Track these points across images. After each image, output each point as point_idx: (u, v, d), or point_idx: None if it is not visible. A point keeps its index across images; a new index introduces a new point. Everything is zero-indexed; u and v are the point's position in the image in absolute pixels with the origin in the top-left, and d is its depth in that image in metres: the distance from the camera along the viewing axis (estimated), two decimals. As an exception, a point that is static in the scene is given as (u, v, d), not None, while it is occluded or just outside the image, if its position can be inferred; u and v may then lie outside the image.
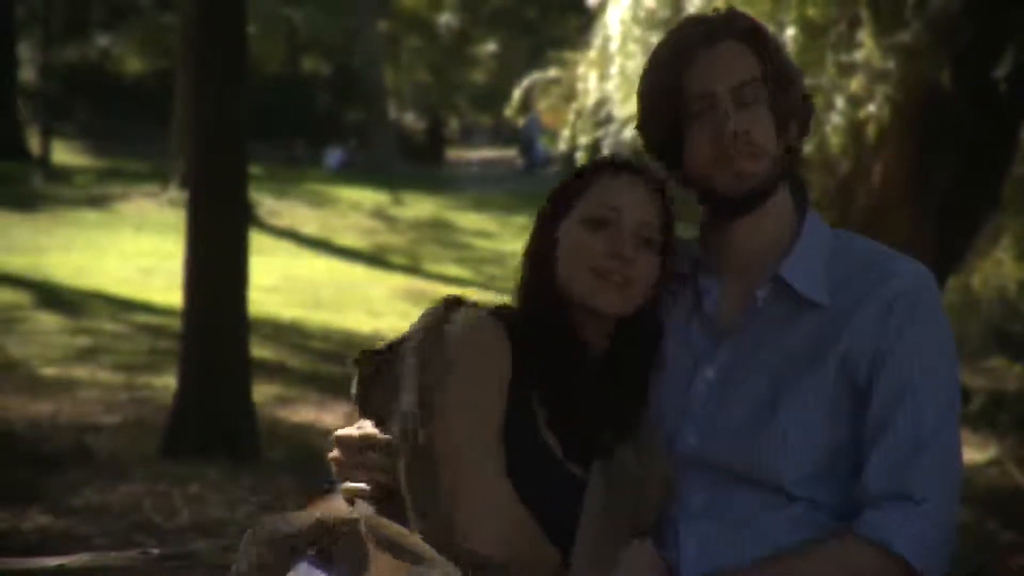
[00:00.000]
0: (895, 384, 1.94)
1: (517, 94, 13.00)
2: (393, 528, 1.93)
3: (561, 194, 2.12)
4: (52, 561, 2.69)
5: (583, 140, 11.07)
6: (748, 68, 2.02)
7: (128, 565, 2.69)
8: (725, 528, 2.00)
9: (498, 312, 2.09)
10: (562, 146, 11.46)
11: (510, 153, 30.30)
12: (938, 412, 1.94)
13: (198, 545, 2.69)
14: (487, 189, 24.59)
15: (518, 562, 1.91)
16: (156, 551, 2.70)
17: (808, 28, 9.16)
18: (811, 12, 9.13)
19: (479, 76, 33.45)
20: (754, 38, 2.04)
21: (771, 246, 2.05)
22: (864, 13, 8.93)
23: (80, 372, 9.61)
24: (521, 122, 14.90)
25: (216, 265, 7.60)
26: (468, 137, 36.82)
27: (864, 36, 8.95)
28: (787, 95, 2.04)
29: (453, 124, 36.14)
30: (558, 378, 2.02)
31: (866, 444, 1.95)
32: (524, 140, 27.90)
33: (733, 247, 2.08)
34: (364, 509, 2.00)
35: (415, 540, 1.91)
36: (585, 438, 2.02)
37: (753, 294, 2.04)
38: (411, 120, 33.72)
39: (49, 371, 9.58)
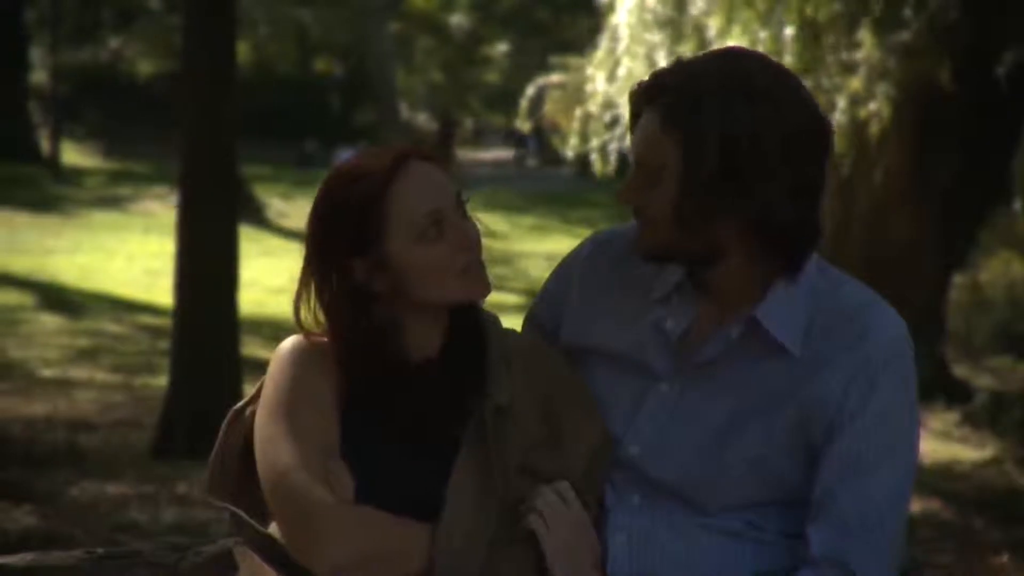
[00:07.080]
0: (849, 457, 1.93)
1: (524, 103, 13.01)
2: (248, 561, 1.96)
3: (349, 227, 1.95)
4: (-5, 561, 2.68)
5: (593, 143, 11.06)
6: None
7: (72, 564, 2.68)
8: (657, 527, 1.99)
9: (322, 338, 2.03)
10: (570, 153, 11.46)
11: (522, 153, 30.36)
12: (889, 495, 1.93)
13: (143, 545, 2.67)
14: (497, 189, 24.54)
15: (378, 564, 1.89)
16: (100, 550, 2.68)
17: (808, 28, 9.12)
18: (811, 12, 9.09)
19: (491, 76, 33.44)
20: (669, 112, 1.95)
21: (749, 287, 1.99)
22: (864, 12, 8.90)
23: (78, 373, 9.63)
24: (528, 127, 14.91)
25: (207, 265, 7.60)
26: (480, 137, 36.85)
27: (864, 35, 8.91)
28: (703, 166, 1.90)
29: (466, 125, 36.16)
30: (395, 397, 1.96)
31: (813, 504, 1.94)
32: (520, 135, 28.14)
33: (709, 283, 2.02)
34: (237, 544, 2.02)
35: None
36: (435, 434, 1.97)
37: (725, 328, 1.99)
38: (423, 120, 33.76)
39: (47, 372, 9.61)
